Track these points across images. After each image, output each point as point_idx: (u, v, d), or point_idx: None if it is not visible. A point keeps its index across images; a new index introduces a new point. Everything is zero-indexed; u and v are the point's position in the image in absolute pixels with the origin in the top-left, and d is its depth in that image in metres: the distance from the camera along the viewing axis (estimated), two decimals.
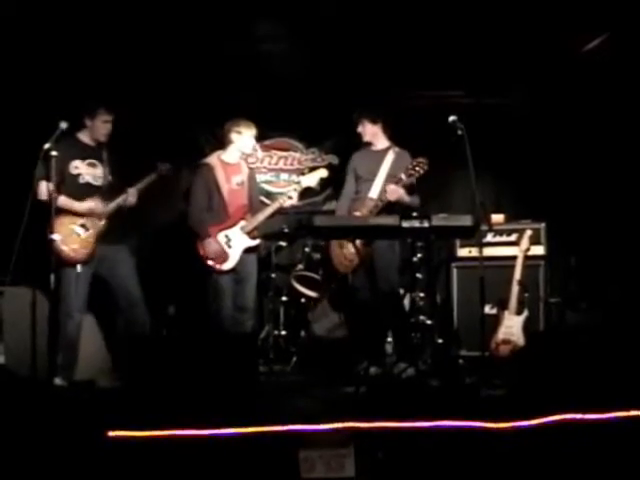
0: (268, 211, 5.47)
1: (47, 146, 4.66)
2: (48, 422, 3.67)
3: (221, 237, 5.33)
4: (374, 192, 5.35)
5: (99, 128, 5.14)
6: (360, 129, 5.57)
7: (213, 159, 5.49)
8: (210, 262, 5.31)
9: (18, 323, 4.94)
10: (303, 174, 6.22)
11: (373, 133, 5.57)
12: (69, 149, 5.07)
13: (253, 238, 5.42)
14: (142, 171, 5.26)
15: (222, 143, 5.57)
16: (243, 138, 5.43)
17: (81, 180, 5.12)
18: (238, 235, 5.36)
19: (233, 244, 5.33)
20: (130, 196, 5.15)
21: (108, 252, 5.13)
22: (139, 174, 5.25)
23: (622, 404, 3.75)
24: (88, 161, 5.15)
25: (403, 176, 5.15)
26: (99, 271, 5.14)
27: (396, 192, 5.17)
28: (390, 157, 5.43)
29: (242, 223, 5.39)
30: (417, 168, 5.12)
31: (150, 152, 6.03)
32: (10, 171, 5.96)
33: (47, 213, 4.70)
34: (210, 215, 5.39)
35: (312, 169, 6.42)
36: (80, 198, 5.07)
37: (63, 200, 5.00)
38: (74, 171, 5.10)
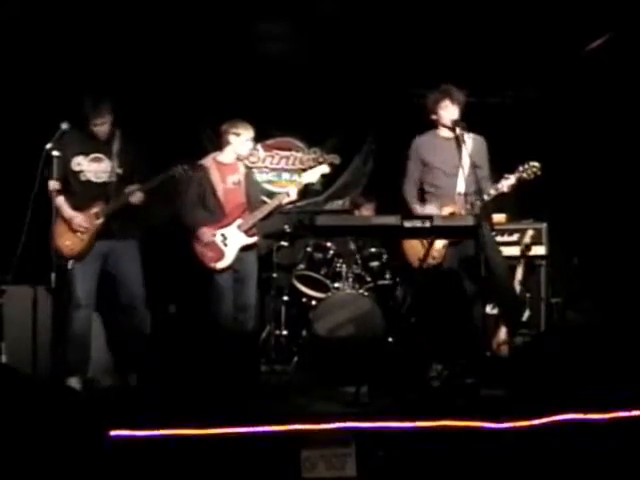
0: (266, 209, 5.46)
1: (49, 146, 4.67)
2: (49, 421, 3.67)
3: (217, 236, 5.33)
4: (461, 186, 5.02)
5: (92, 129, 5.09)
6: (441, 112, 5.05)
7: (208, 160, 5.49)
8: (205, 260, 5.30)
9: (20, 322, 4.95)
10: (304, 171, 6.18)
11: (453, 116, 5.04)
12: (72, 145, 5.06)
13: (251, 236, 5.41)
14: (154, 169, 5.21)
15: (220, 143, 5.57)
16: (240, 140, 5.41)
17: (82, 178, 5.09)
18: (235, 233, 5.35)
19: (229, 242, 5.33)
20: (134, 198, 5.09)
21: (115, 247, 5.12)
22: (151, 171, 5.19)
23: (624, 404, 3.75)
24: (93, 156, 5.10)
25: (513, 178, 4.87)
26: (106, 266, 5.13)
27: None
28: (469, 145, 4.96)
29: (239, 221, 5.38)
30: (530, 172, 4.86)
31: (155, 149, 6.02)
32: (12, 171, 5.96)
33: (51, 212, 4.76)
34: (206, 215, 5.38)
35: (313, 165, 6.42)
36: (81, 195, 5.07)
37: (59, 201, 5.03)
38: (76, 168, 5.08)
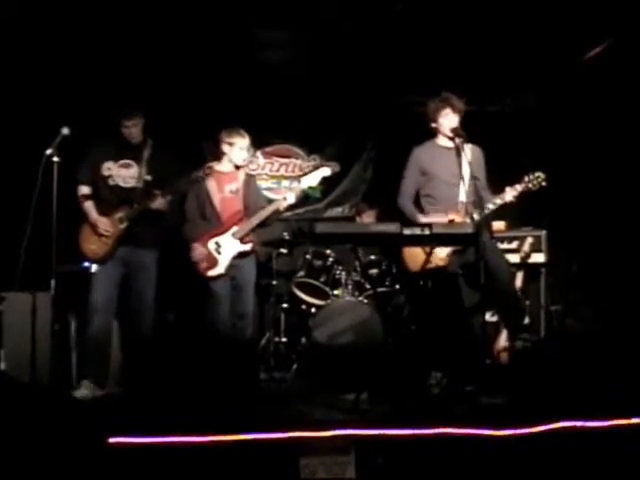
0: (263, 215, 5.42)
1: (49, 152, 4.69)
2: (48, 428, 3.66)
3: (211, 244, 5.31)
4: (462, 196, 4.99)
5: (124, 132, 5.19)
6: (442, 120, 5.05)
7: (205, 170, 5.49)
8: (199, 268, 5.29)
9: (19, 329, 4.95)
10: (305, 174, 6.14)
11: (453, 124, 5.03)
12: (103, 150, 5.22)
13: (246, 243, 5.40)
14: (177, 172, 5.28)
15: (217, 153, 5.56)
16: (234, 149, 5.39)
17: (111, 182, 5.19)
18: (229, 241, 5.34)
19: (223, 250, 5.32)
20: (157, 203, 5.15)
21: (137, 254, 5.19)
22: (174, 176, 5.24)
23: (623, 412, 3.75)
24: (122, 162, 5.21)
25: (518, 188, 4.86)
26: (126, 272, 5.20)
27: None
28: (468, 155, 4.91)
29: (234, 229, 5.37)
30: (535, 182, 4.85)
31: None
32: (13, 177, 5.97)
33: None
34: (204, 224, 5.38)
35: (315, 168, 6.39)
36: (108, 200, 5.16)
37: (87, 206, 5.17)
38: (105, 172, 5.19)
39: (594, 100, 6.41)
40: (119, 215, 5.11)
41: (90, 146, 5.25)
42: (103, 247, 5.10)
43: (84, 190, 5.18)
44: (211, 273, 5.30)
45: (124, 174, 5.20)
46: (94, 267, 5.11)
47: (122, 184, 5.19)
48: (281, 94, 6.92)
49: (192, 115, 6.93)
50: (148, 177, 5.23)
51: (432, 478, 3.61)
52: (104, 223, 5.10)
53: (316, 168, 6.03)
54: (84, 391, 4.91)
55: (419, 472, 3.60)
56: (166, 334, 6.22)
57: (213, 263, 5.30)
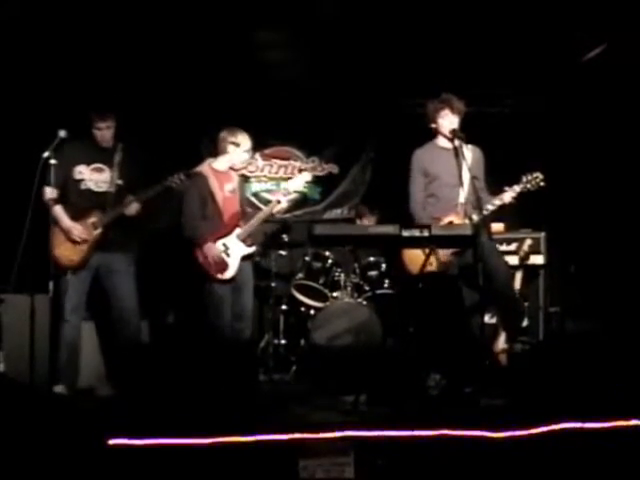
0: (260, 217, 5.43)
1: (46, 155, 4.66)
2: (48, 430, 3.66)
3: (219, 246, 5.29)
4: (462, 197, 5.00)
5: (96, 134, 5.14)
6: (441, 121, 5.06)
7: (205, 168, 5.41)
8: (211, 270, 5.24)
9: (18, 330, 4.94)
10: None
11: (452, 125, 5.03)
12: (75, 153, 5.10)
13: (249, 245, 5.40)
14: (152, 178, 5.20)
15: (216, 150, 5.52)
16: (238, 151, 5.37)
17: (82, 186, 5.12)
18: (235, 243, 5.32)
19: (231, 252, 5.29)
20: (131, 209, 5.10)
21: (107, 260, 5.12)
22: (149, 181, 5.18)
23: (622, 413, 3.75)
24: (94, 166, 5.14)
25: (517, 189, 4.88)
26: (98, 278, 5.13)
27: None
28: (468, 156, 4.95)
29: (237, 231, 5.35)
30: (533, 183, 4.87)
31: (153, 159, 6.03)
32: (10, 179, 5.96)
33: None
34: (205, 224, 5.30)
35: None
36: (79, 204, 5.08)
37: (57, 211, 5.02)
38: (77, 176, 5.11)
39: (593, 101, 6.42)
40: (92, 220, 5.05)
41: (62, 148, 4.93)
42: (79, 254, 5.03)
43: (52, 193, 4.92)
44: (225, 276, 5.26)
45: (96, 178, 5.13)
46: (69, 273, 5.01)
47: (94, 188, 5.12)
48: (280, 95, 6.92)
49: (191, 116, 6.92)
50: (120, 181, 5.16)
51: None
52: (79, 230, 5.02)
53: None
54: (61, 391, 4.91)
55: (418, 474, 3.60)
56: (165, 336, 6.23)
57: (224, 266, 5.26)
